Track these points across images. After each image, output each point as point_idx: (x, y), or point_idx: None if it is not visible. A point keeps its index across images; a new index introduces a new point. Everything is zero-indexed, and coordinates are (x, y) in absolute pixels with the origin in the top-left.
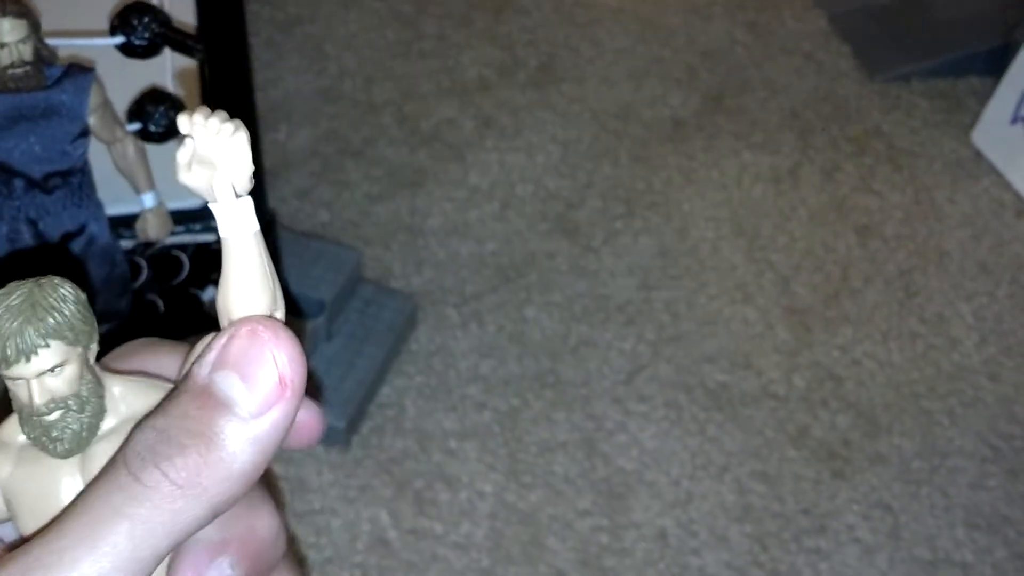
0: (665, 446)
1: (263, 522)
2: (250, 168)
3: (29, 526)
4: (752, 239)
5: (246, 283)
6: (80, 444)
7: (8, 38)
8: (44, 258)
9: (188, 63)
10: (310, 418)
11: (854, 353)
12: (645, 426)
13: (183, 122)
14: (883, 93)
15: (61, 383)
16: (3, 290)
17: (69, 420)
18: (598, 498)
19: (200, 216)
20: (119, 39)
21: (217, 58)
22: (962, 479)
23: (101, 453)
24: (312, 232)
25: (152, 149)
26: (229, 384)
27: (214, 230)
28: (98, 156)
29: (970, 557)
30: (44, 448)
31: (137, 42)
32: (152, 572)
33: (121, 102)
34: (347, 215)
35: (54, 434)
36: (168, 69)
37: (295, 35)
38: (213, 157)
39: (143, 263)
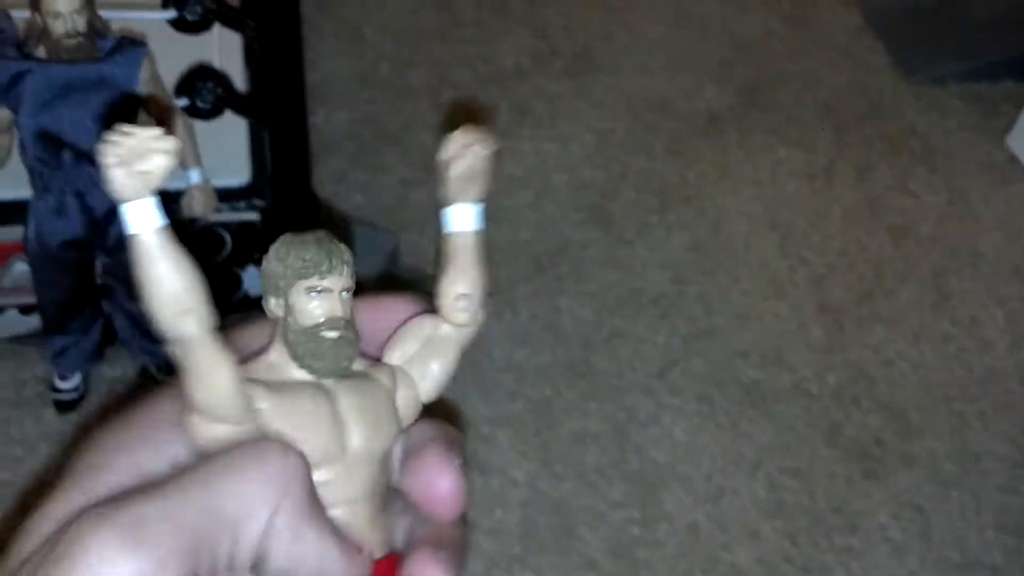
0: (697, 440)
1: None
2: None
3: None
4: (786, 235)
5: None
6: (344, 368)
7: (63, 8)
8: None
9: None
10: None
11: (887, 353)
12: (677, 419)
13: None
14: (918, 93)
15: (348, 306)
16: (289, 237)
17: (346, 340)
18: (630, 489)
19: (244, 195)
20: (171, 13)
21: (268, 35)
22: (992, 482)
23: (345, 389)
24: (348, 215)
25: (199, 126)
26: None
27: (258, 209)
28: None
29: (1000, 560)
30: (314, 366)
31: (189, 17)
32: None
33: (167, 76)
34: (383, 200)
35: (332, 351)
36: (215, 45)
37: (333, 17)
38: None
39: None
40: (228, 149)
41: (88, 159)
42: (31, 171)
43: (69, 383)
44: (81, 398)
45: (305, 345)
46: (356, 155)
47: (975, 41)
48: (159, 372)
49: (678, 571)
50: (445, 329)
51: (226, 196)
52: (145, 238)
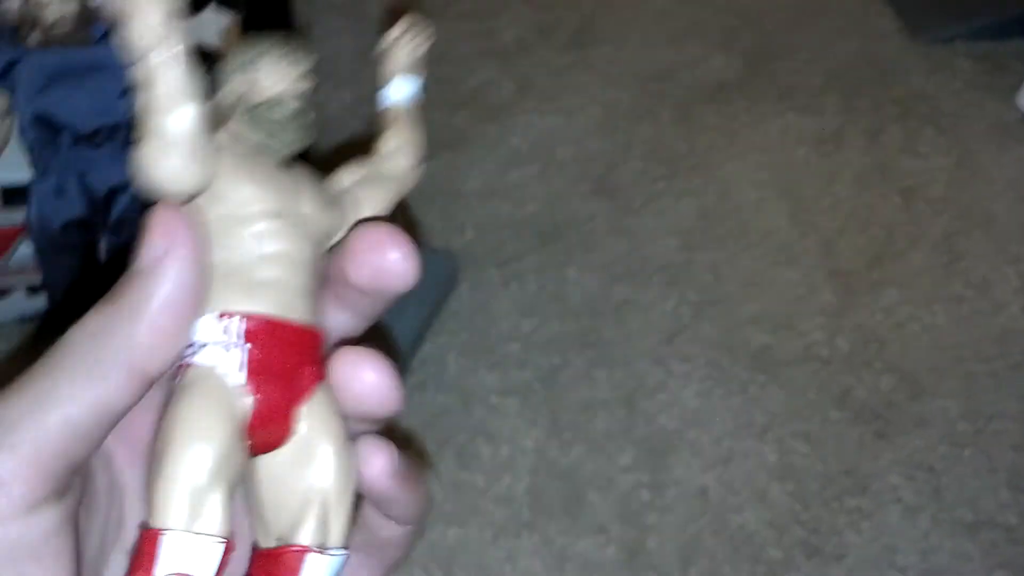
0: (707, 405)
1: None
2: None
3: None
4: (795, 201)
5: None
6: (302, 140)
7: None
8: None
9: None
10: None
11: (898, 316)
12: (686, 385)
13: None
14: (926, 55)
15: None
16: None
17: (306, 112)
18: (639, 455)
19: None
20: None
21: (260, 14)
22: (1006, 441)
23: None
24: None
25: None
26: None
27: None
28: None
29: (1013, 520)
30: (273, 140)
31: None
32: None
33: None
34: None
35: (294, 120)
36: (213, 26)
37: None
38: None
39: None
40: None
41: (88, 141)
42: (31, 154)
43: None
44: None
45: (268, 113)
46: (359, 132)
47: (982, 0)
48: None
49: (687, 534)
50: (382, 169)
51: None
52: None
